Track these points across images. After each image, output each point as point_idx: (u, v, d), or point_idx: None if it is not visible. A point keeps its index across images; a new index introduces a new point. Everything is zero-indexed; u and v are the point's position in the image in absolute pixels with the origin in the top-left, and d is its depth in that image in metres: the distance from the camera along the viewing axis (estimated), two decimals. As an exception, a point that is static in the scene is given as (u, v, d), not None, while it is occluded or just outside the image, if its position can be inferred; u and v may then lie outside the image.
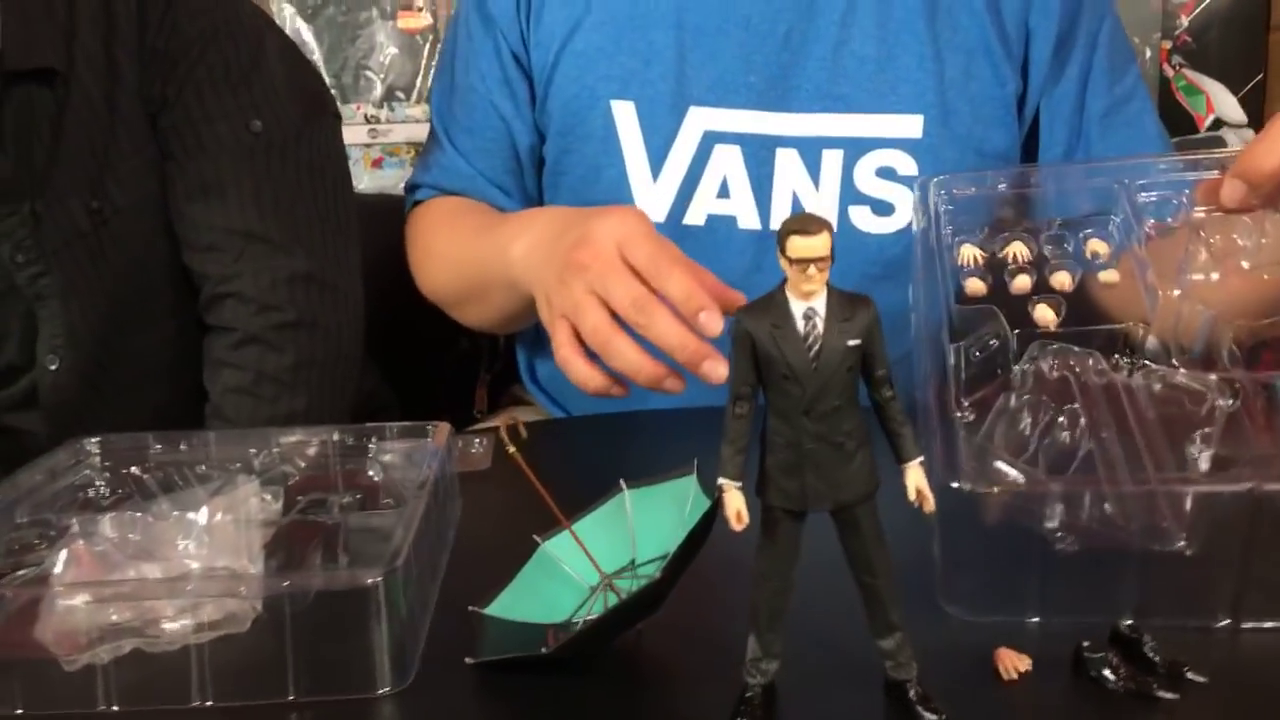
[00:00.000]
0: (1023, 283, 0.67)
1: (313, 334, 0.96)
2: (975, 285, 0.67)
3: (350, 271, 0.99)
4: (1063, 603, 0.53)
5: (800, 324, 0.43)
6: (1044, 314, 0.64)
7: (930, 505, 0.44)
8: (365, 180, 1.90)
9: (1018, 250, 0.68)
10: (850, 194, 0.89)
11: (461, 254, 0.93)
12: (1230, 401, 0.57)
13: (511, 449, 0.53)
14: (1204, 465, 0.54)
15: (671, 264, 0.69)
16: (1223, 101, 1.96)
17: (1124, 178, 0.68)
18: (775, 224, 0.89)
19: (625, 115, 0.90)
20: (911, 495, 0.44)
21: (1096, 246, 0.67)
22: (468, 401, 1.27)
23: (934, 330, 0.61)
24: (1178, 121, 1.94)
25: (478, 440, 0.82)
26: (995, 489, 0.52)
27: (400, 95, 1.90)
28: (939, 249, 0.67)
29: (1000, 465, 0.53)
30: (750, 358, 0.43)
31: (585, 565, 0.55)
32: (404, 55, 1.87)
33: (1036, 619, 0.54)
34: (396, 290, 1.05)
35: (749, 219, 0.90)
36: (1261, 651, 0.51)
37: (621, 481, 0.58)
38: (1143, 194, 0.67)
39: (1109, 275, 0.65)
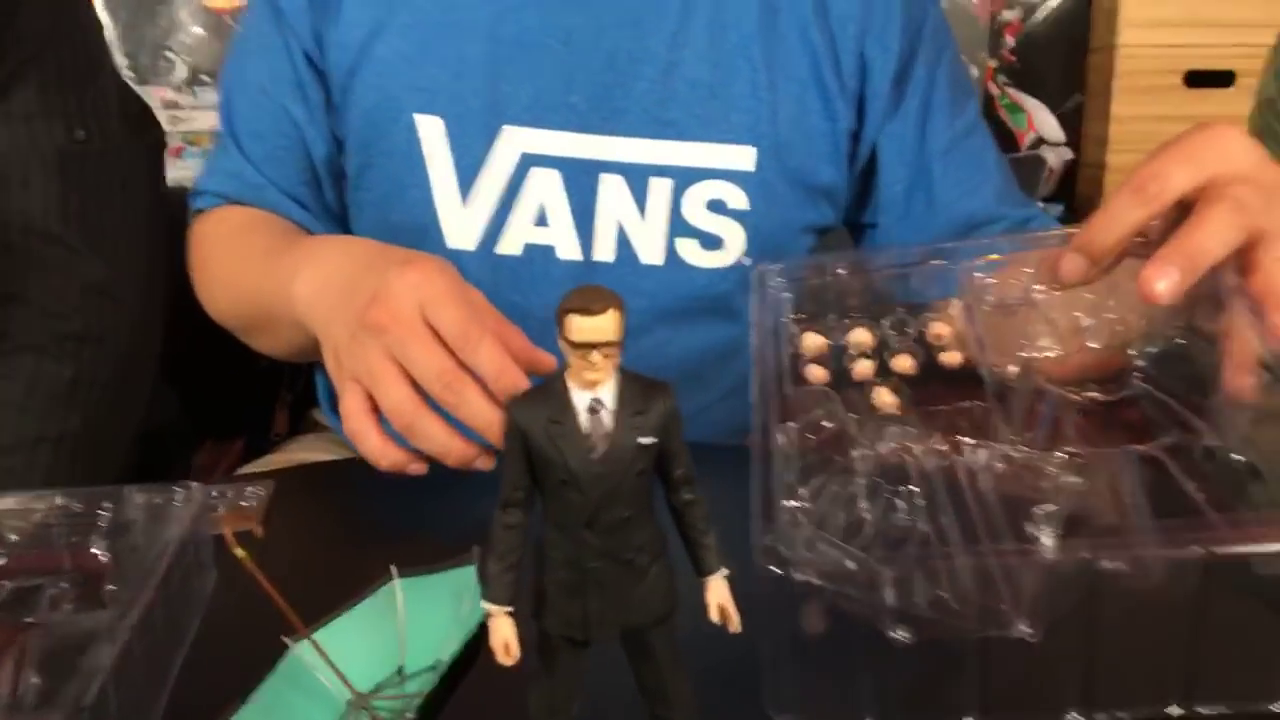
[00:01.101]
0: (864, 368, 0.63)
1: (98, 349, 0.90)
2: (816, 372, 0.63)
3: (148, 290, 0.94)
4: (901, 704, 0.48)
5: (583, 419, 0.35)
6: (883, 397, 0.61)
7: (735, 625, 0.38)
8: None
9: (860, 337, 0.65)
10: (679, 225, 0.82)
11: (244, 280, 0.82)
12: (1075, 479, 0.53)
13: (240, 553, 0.44)
14: (1047, 543, 0.51)
15: (481, 334, 0.62)
16: (1043, 120, 2.01)
17: (963, 259, 0.65)
18: (599, 255, 0.82)
19: (432, 131, 0.81)
20: (714, 615, 0.38)
21: (939, 329, 0.64)
22: (266, 424, 1.15)
23: (765, 413, 0.55)
24: (1001, 139, 1.98)
25: (251, 489, 0.72)
26: (816, 576, 0.46)
27: (205, 79, 1.74)
28: (777, 339, 0.63)
29: (827, 550, 0.48)
30: (523, 458, 0.36)
31: (349, 670, 0.47)
32: (210, 35, 1.71)
33: (869, 723, 0.49)
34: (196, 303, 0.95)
35: (569, 249, 0.83)
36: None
37: (393, 568, 0.50)
38: (980, 274, 0.64)
39: (951, 357, 0.62)
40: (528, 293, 0.82)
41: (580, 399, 0.36)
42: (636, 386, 0.36)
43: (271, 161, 0.86)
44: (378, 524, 0.69)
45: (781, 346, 0.62)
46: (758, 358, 0.59)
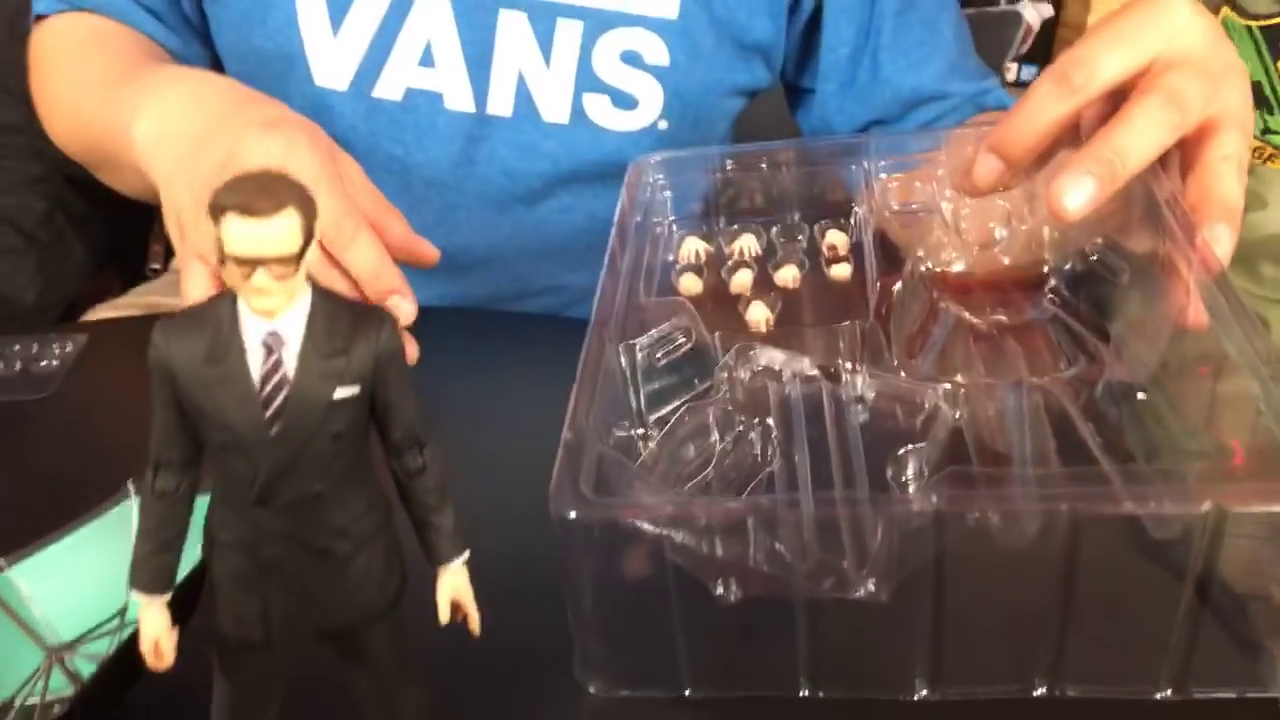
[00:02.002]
0: (743, 280, 0.54)
1: None
2: (690, 283, 0.54)
3: None
4: (721, 674, 0.41)
5: (254, 359, 0.25)
6: (756, 312, 0.51)
7: (475, 624, 0.29)
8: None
9: (745, 244, 0.56)
10: (587, 79, 0.69)
11: (83, 108, 0.69)
12: (956, 413, 0.44)
13: None
14: (911, 487, 0.42)
15: (357, 227, 0.52)
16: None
17: (867, 159, 0.55)
18: (494, 107, 0.70)
19: None
20: (443, 615, 0.29)
21: (834, 239, 0.55)
22: (143, 254, 1.04)
23: (599, 330, 0.45)
24: None
25: (58, 346, 0.63)
26: (623, 519, 0.37)
27: None
28: (641, 240, 0.52)
29: (641, 490, 0.39)
30: (174, 406, 0.26)
31: (62, 607, 0.39)
32: None
33: (690, 693, 0.41)
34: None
35: (459, 98, 0.70)
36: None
37: (130, 484, 0.41)
38: (885, 175, 0.53)
39: (840, 271, 0.52)
40: (410, 146, 0.70)
41: (253, 330, 0.25)
42: (339, 314, 0.26)
43: None
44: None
45: (644, 253, 0.52)
46: (611, 263, 0.49)
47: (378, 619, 0.28)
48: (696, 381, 0.48)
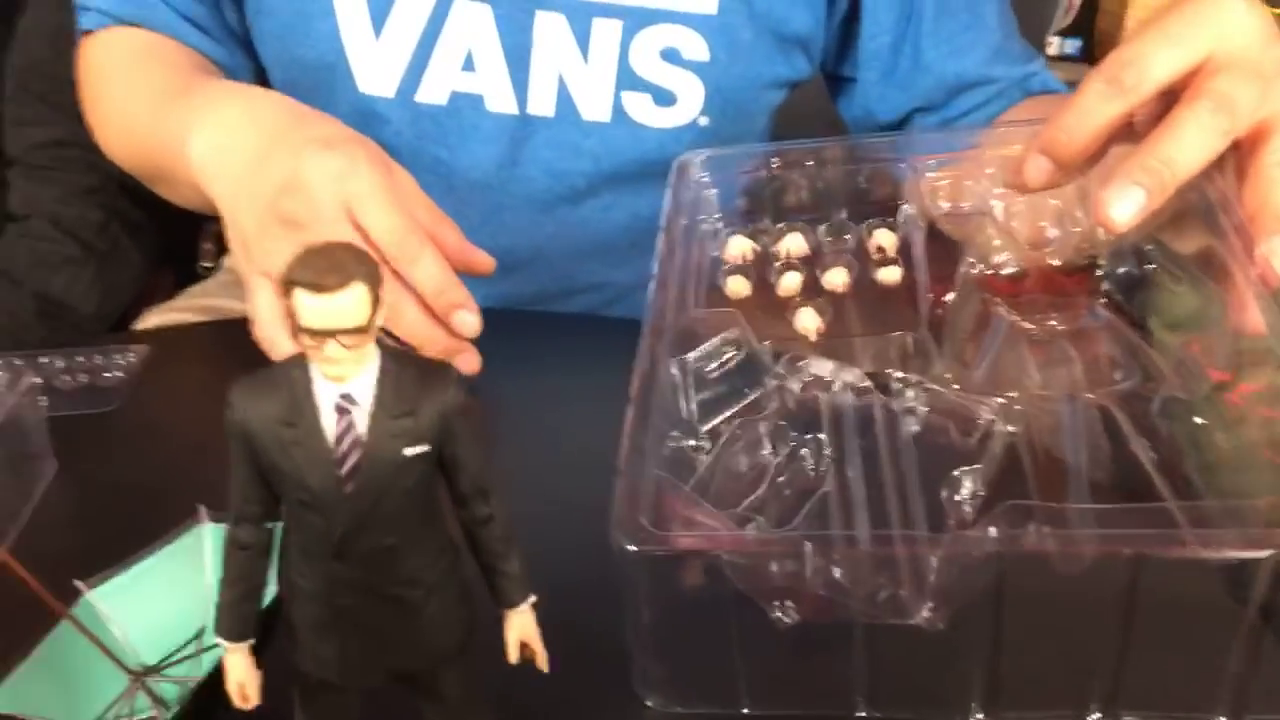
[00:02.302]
0: (791, 283, 0.53)
1: None
2: (738, 285, 0.54)
3: None
4: (778, 692, 0.41)
5: (327, 421, 0.26)
6: (806, 320, 0.51)
7: (543, 663, 0.31)
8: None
9: (792, 245, 0.55)
10: (627, 77, 0.69)
11: (136, 124, 0.70)
12: (1010, 429, 0.44)
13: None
14: (966, 511, 0.42)
15: (421, 245, 0.54)
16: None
17: (915, 155, 0.54)
18: (535, 107, 0.70)
19: None
20: (512, 655, 0.30)
21: (882, 239, 0.54)
22: (194, 250, 1.06)
23: (653, 341, 0.46)
24: None
25: (121, 357, 0.64)
26: (683, 547, 0.38)
27: None
28: (689, 240, 0.52)
29: (699, 516, 0.40)
30: (251, 464, 0.27)
31: (141, 630, 0.40)
32: None
33: (748, 711, 0.42)
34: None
35: (501, 100, 0.70)
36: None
37: (201, 509, 0.42)
38: (933, 173, 0.53)
39: (889, 274, 0.52)
40: (455, 148, 0.71)
41: (326, 393, 0.26)
42: (406, 374, 0.27)
43: None
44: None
45: (692, 253, 0.52)
46: (661, 269, 0.49)
47: (449, 661, 0.30)
48: (747, 391, 0.49)
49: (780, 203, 0.56)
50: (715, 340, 0.48)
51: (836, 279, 0.52)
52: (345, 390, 0.26)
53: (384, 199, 0.54)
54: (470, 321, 0.56)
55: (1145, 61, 0.45)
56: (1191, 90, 0.44)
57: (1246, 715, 0.37)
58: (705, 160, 0.56)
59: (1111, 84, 0.45)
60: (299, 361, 0.27)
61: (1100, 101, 0.45)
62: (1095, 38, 1.73)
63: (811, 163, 0.57)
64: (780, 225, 0.55)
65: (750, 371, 0.48)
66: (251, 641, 0.29)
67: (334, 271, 0.25)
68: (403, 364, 0.27)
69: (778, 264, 0.53)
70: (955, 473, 0.42)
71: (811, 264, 0.53)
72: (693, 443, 0.46)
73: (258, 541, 0.28)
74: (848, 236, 0.54)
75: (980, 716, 0.40)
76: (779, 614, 0.39)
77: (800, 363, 0.47)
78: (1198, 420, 0.42)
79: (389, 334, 0.56)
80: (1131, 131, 0.47)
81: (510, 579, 0.29)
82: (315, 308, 0.25)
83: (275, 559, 0.29)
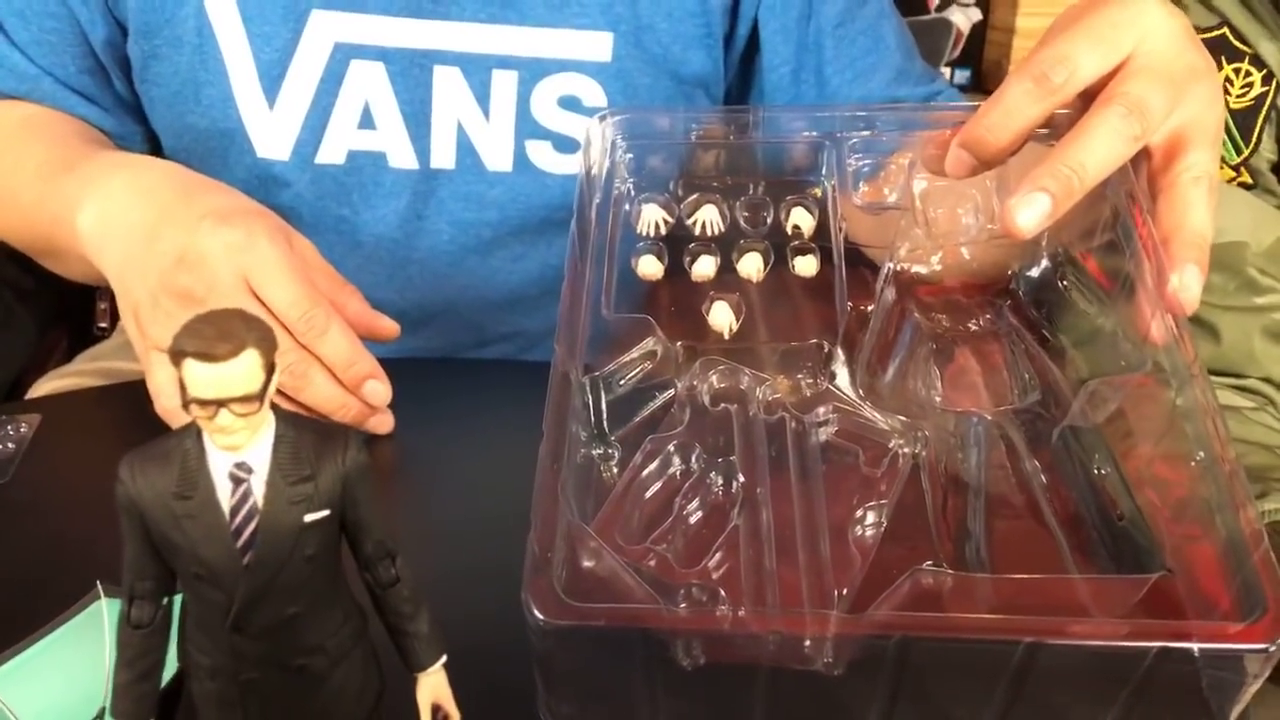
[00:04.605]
0: (704, 269, 0.52)
1: None
2: (649, 266, 0.53)
3: None
4: (682, 717, 0.41)
5: (222, 491, 0.26)
6: (719, 317, 0.51)
7: (458, 722, 0.30)
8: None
9: (707, 217, 0.54)
10: (528, 126, 0.70)
11: (21, 199, 0.68)
12: (913, 450, 0.45)
13: None
14: (869, 538, 0.43)
15: (328, 319, 0.54)
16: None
17: (838, 131, 0.53)
18: (438, 161, 0.70)
19: (225, 18, 0.66)
20: (425, 718, 0.30)
21: (799, 218, 0.53)
22: (90, 313, 1.03)
23: (570, 347, 0.45)
24: (908, 1, 1.80)
25: (11, 427, 0.62)
26: (593, 619, 0.38)
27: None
28: (604, 212, 0.51)
29: (615, 568, 0.40)
30: (144, 539, 0.26)
31: (41, 712, 0.39)
32: None
33: (651, 743, 0.42)
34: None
35: (402, 156, 0.70)
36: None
37: (99, 585, 0.41)
38: (855, 156, 0.53)
39: (805, 265, 0.52)
40: (358, 206, 0.71)
41: (220, 463, 0.26)
42: (304, 439, 0.26)
43: (42, 46, 0.70)
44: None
45: (606, 229, 0.50)
46: (570, 269, 0.48)
47: (361, 725, 0.29)
48: (657, 393, 0.48)
49: (697, 171, 0.54)
50: (630, 354, 0.48)
51: (750, 267, 0.52)
52: (240, 459, 0.26)
53: (285, 271, 0.53)
54: (380, 391, 0.56)
55: (1073, 60, 0.45)
56: (1105, 95, 0.45)
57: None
58: (619, 121, 0.54)
59: (1040, 83, 0.45)
60: (191, 431, 0.26)
61: (1026, 100, 0.45)
62: (984, 67, 1.80)
63: (731, 132, 0.55)
64: (695, 196, 0.53)
65: (661, 377, 0.48)
66: (151, 723, 0.28)
67: (224, 339, 0.24)
68: (300, 428, 0.27)
69: (691, 245, 0.52)
70: (859, 511, 0.43)
71: (725, 246, 0.52)
72: (601, 450, 0.46)
73: (153, 619, 0.27)
74: (765, 214, 0.53)
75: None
76: (684, 657, 0.39)
77: (712, 371, 0.47)
78: (1098, 470, 0.43)
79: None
80: (1050, 122, 0.47)
81: (420, 640, 0.29)
82: (206, 377, 0.24)
83: (174, 634, 0.29)
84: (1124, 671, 0.36)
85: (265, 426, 0.26)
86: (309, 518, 0.26)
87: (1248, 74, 0.82)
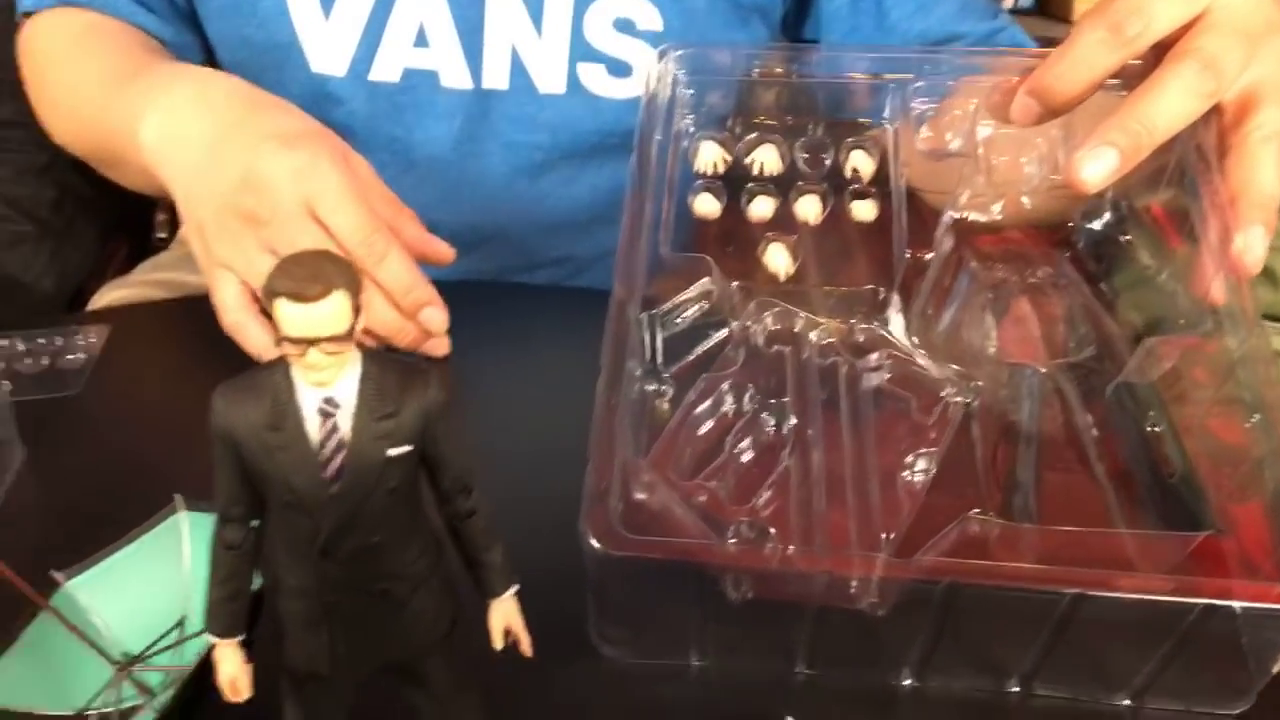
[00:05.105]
0: (762, 209, 0.53)
1: None
2: (706, 205, 0.53)
3: None
4: (728, 647, 0.43)
5: (311, 425, 0.27)
6: (776, 259, 0.51)
7: (527, 647, 0.32)
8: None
9: (765, 158, 0.54)
10: (581, 48, 0.69)
11: (83, 109, 0.69)
12: (966, 400, 0.46)
13: None
14: (918, 484, 0.44)
15: (387, 244, 0.55)
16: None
17: (902, 73, 0.53)
18: (490, 82, 0.70)
19: None
20: (497, 641, 0.31)
21: (858, 162, 0.53)
22: (149, 222, 1.04)
23: (629, 283, 0.46)
24: None
25: (82, 338, 0.64)
26: (649, 551, 0.39)
27: None
28: (664, 147, 0.51)
29: (668, 502, 0.41)
30: (236, 468, 0.28)
31: (121, 619, 0.41)
32: None
33: (699, 662, 0.44)
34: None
35: (455, 75, 0.70)
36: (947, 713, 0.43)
37: (177, 498, 0.43)
38: (920, 99, 0.52)
39: (864, 210, 0.52)
40: (410, 126, 0.71)
41: (309, 397, 0.27)
42: (388, 377, 0.28)
43: None
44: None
45: (666, 167, 0.51)
46: (633, 193, 0.48)
47: (434, 650, 0.31)
48: (712, 332, 0.49)
49: (756, 110, 0.54)
50: (687, 293, 0.49)
51: (808, 210, 0.52)
52: (328, 394, 0.27)
53: (347, 198, 0.54)
54: (437, 318, 0.58)
55: (1149, 12, 0.43)
56: (1179, 48, 0.44)
57: (1147, 700, 0.40)
58: (681, 56, 0.54)
59: (1116, 33, 0.44)
60: (281, 366, 0.27)
61: (1099, 50, 0.44)
62: (1051, -8, 1.74)
63: (795, 72, 0.55)
64: (754, 135, 0.54)
65: (716, 316, 0.49)
66: (241, 637, 0.29)
67: (315, 281, 0.25)
68: (384, 367, 0.28)
69: (750, 185, 0.53)
70: (909, 457, 0.43)
71: (784, 187, 0.52)
72: (655, 386, 0.47)
73: (244, 541, 0.29)
74: (824, 156, 0.53)
75: (910, 681, 0.42)
76: (733, 591, 0.41)
77: (767, 312, 0.48)
78: (1151, 427, 0.43)
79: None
80: (1121, 72, 0.45)
81: (493, 570, 0.30)
82: (297, 316, 0.25)
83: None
84: (1167, 626, 0.37)
85: (352, 364, 0.27)
86: (392, 452, 0.27)
87: None
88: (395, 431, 0.27)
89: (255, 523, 0.29)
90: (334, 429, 0.27)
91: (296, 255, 0.26)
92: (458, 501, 0.29)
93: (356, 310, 0.26)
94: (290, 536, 0.28)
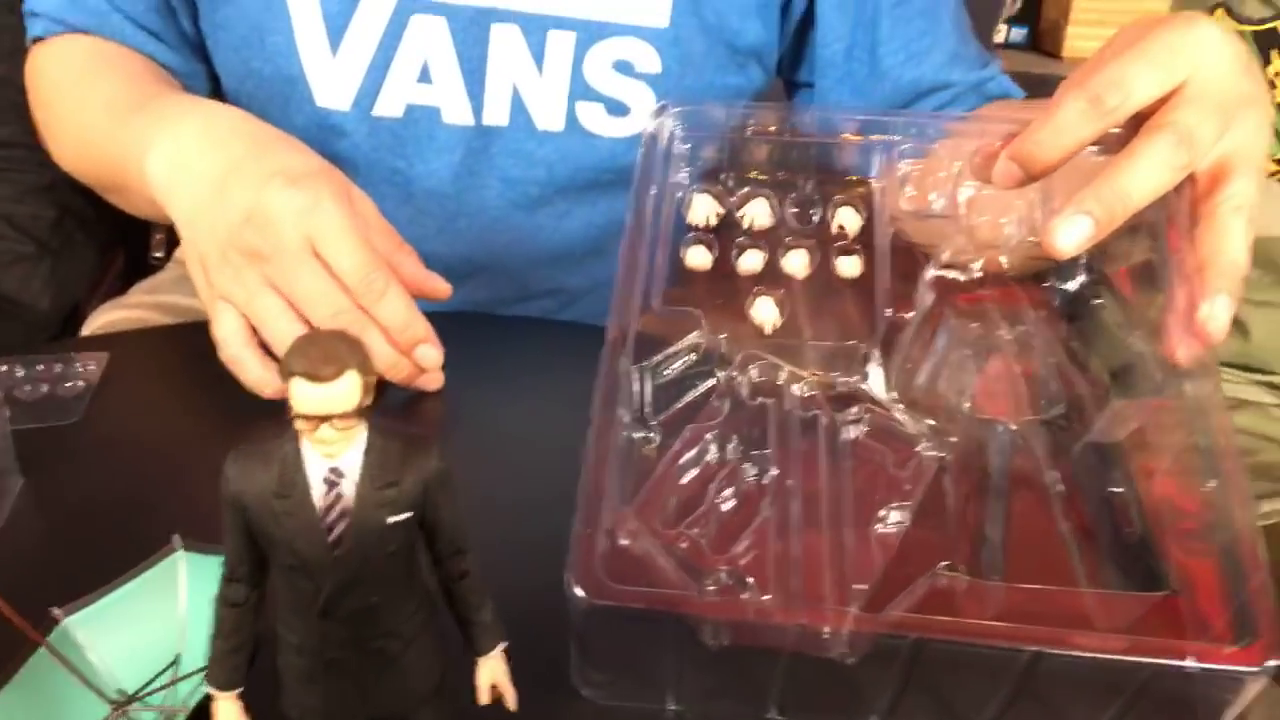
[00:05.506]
0: (751, 263, 0.55)
1: None
2: (698, 257, 0.55)
3: None
4: (704, 691, 0.45)
5: (317, 492, 0.29)
6: (764, 312, 0.53)
7: (512, 703, 0.33)
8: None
9: (756, 213, 0.56)
10: (580, 88, 0.71)
11: (91, 136, 0.70)
12: (940, 454, 0.48)
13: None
14: (891, 536, 0.46)
15: (386, 282, 0.57)
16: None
17: (889, 134, 0.55)
18: (491, 118, 0.72)
19: None
20: (484, 697, 0.33)
21: (846, 218, 0.55)
22: (146, 237, 1.06)
23: (621, 334, 0.48)
24: None
25: (81, 364, 0.65)
26: (630, 601, 0.41)
27: None
28: (658, 201, 0.53)
29: (650, 550, 0.43)
30: (243, 532, 0.29)
31: (117, 657, 0.42)
32: None
33: (675, 707, 0.45)
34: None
35: (458, 112, 0.71)
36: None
37: (175, 538, 0.44)
38: (905, 160, 0.54)
39: (850, 265, 0.54)
40: (412, 159, 0.73)
41: (316, 466, 0.29)
42: (391, 448, 0.29)
43: None
44: (213, 432, 0.60)
45: (661, 216, 0.53)
46: (626, 246, 0.50)
47: (424, 702, 0.32)
48: (699, 383, 0.51)
49: (749, 165, 0.56)
50: (676, 345, 0.51)
51: (796, 265, 0.54)
52: (334, 465, 0.29)
53: (348, 236, 0.55)
54: (431, 355, 0.59)
55: (1129, 84, 0.45)
56: (1155, 120, 0.45)
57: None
58: (678, 114, 0.56)
59: (1095, 104, 0.45)
60: (290, 437, 0.29)
61: (1079, 121, 0.46)
62: (1041, 26, 1.78)
63: (786, 130, 0.57)
64: (746, 189, 0.56)
65: (703, 367, 0.51)
66: (240, 689, 0.31)
67: (329, 362, 0.27)
68: (388, 438, 0.29)
69: (740, 238, 0.54)
70: (884, 509, 0.45)
71: (773, 241, 0.54)
72: (643, 434, 0.49)
73: (248, 600, 0.30)
74: (813, 211, 0.55)
75: (875, 720, 0.44)
76: (710, 638, 0.42)
77: (752, 365, 0.50)
78: (1114, 487, 0.45)
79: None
80: (1100, 139, 0.47)
81: (483, 628, 0.32)
82: (312, 395, 0.27)
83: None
84: (1121, 682, 0.39)
85: (358, 435, 0.29)
86: (392, 519, 0.29)
87: None
88: (397, 500, 0.29)
89: (260, 583, 0.30)
90: (338, 497, 0.29)
91: (312, 334, 0.27)
92: (452, 563, 0.31)
93: (367, 389, 0.28)
94: (292, 597, 0.30)
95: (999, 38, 1.71)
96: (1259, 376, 0.78)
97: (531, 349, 0.70)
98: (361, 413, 0.28)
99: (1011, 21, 1.72)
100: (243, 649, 0.31)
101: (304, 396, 0.27)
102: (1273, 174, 0.84)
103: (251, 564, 0.30)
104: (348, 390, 0.27)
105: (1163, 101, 0.46)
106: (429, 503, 0.30)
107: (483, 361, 0.68)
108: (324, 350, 0.27)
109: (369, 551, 0.29)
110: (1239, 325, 0.82)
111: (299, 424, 0.27)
